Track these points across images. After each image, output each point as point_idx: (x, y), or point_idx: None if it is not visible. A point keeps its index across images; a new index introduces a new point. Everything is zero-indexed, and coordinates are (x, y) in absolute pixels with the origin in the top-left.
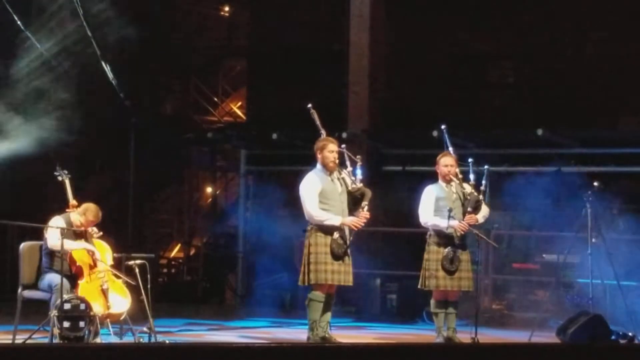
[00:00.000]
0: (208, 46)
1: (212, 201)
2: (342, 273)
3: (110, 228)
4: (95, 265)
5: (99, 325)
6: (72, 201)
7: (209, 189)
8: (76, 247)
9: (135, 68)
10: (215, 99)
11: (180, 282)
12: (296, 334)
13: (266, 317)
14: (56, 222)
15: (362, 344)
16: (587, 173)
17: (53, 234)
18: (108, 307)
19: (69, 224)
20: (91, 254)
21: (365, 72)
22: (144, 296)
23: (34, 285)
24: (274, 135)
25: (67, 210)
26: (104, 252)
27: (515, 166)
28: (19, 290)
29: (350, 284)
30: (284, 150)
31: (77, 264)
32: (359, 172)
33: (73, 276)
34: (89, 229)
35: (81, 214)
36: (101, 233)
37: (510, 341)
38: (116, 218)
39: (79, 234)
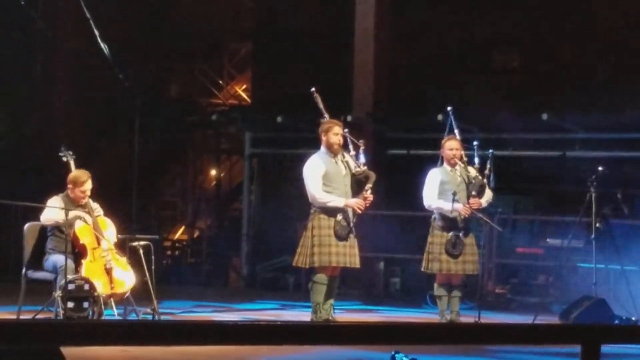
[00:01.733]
0: (213, 29)
1: (216, 184)
2: (347, 255)
3: (114, 209)
4: (99, 244)
5: (102, 306)
6: None
7: (213, 172)
8: (70, 216)
9: (140, 50)
10: (220, 82)
11: (184, 264)
12: (300, 316)
13: (270, 300)
14: (54, 202)
15: (366, 323)
16: (592, 158)
17: (49, 209)
18: (112, 287)
19: (69, 202)
20: (82, 220)
21: (370, 55)
22: (148, 278)
23: (38, 266)
24: (279, 118)
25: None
26: (107, 229)
27: (520, 150)
28: (23, 270)
29: (357, 265)
30: (289, 133)
31: (81, 242)
32: (362, 156)
33: (77, 255)
34: (92, 206)
35: (71, 183)
36: (102, 212)
37: (513, 322)
38: (120, 200)
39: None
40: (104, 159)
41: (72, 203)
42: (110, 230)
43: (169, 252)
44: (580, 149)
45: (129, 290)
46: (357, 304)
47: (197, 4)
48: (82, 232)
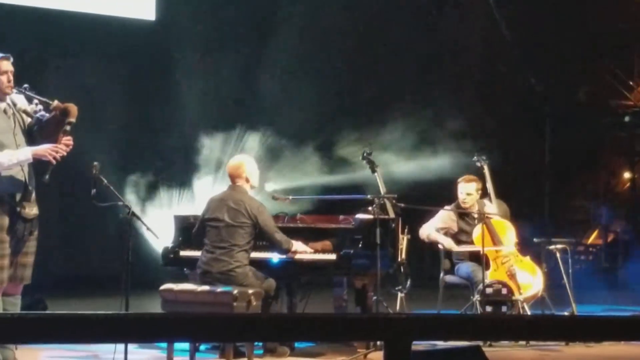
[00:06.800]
0: (624, 27)
1: (630, 186)
2: None
3: (526, 213)
4: (496, 248)
5: (521, 310)
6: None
7: (626, 174)
8: (442, 240)
9: (550, 53)
10: (631, 82)
11: (599, 268)
12: None
13: None
14: (444, 213)
15: None
16: None
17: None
18: (520, 292)
19: (460, 216)
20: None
21: None
22: (565, 281)
23: (452, 271)
24: None
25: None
26: (505, 232)
27: None
28: (441, 275)
29: None
30: None
31: (480, 252)
32: None
33: (479, 262)
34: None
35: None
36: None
37: None
38: (531, 203)
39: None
40: (514, 163)
41: (465, 216)
42: (509, 233)
43: (582, 257)
44: None
45: (538, 293)
46: None
47: (607, 3)
48: (479, 241)
